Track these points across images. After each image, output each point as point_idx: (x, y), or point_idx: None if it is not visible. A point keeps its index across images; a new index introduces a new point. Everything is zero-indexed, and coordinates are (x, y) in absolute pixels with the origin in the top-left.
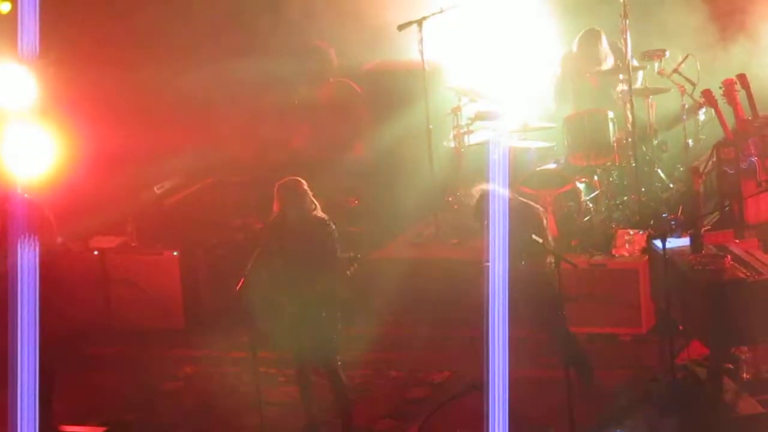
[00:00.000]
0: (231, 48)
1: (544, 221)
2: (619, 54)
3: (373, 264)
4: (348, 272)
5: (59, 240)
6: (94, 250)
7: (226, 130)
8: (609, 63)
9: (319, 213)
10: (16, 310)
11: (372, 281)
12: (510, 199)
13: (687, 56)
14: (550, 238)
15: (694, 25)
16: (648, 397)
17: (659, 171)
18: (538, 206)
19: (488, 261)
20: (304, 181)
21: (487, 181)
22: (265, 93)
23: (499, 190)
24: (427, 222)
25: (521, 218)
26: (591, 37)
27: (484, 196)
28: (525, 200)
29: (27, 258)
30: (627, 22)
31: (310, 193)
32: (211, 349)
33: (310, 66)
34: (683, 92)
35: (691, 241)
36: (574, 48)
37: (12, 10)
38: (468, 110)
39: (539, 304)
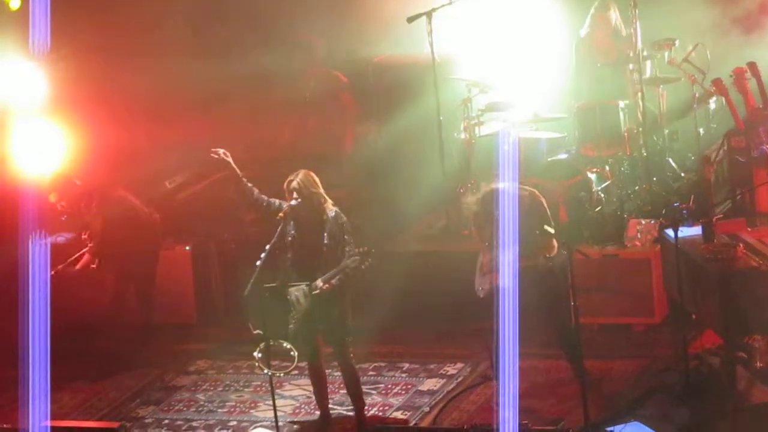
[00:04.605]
0: (241, 41)
1: (548, 210)
2: (629, 40)
3: (385, 256)
4: (363, 266)
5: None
6: None
7: (236, 124)
8: (623, 33)
9: (330, 206)
10: (27, 303)
11: (384, 274)
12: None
13: (697, 45)
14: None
15: (704, 14)
16: (661, 386)
17: (670, 160)
18: (538, 193)
19: (481, 287)
20: (314, 175)
21: (495, 176)
22: (269, 86)
23: (504, 186)
24: (438, 214)
25: (526, 209)
26: (601, 7)
27: (486, 199)
28: (529, 189)
29: (38, 250)
30: (637, 11)
31: (321, 187)
32: (223, 343)
33: (294, 59)
34: (693, 81)
35: (703, 230)
36: (585, 29)
37: (22, 7)
38: (478, 101)
39: (544, 294)
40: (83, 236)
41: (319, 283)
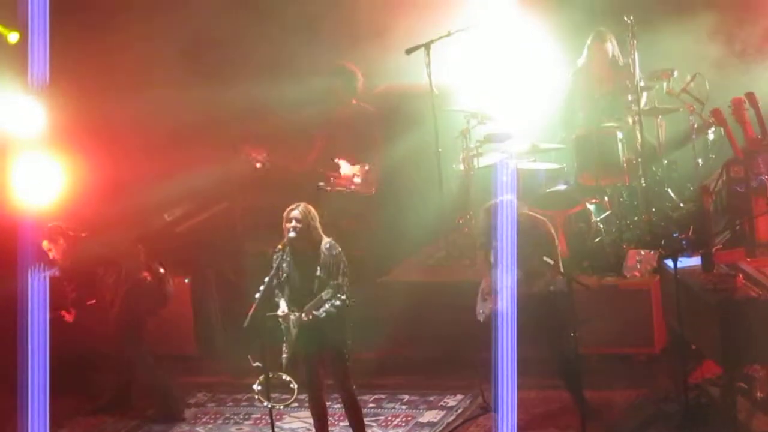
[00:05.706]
0: (240, 70)
1: (556, 239)
2: (627, 71)
3: (384, 287)
4: (336, 300)
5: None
6: None
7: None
8: (621, 63)
9: (325, 238)
10: (26, 337)
11: (383, 304)
12: (519, 215)
13: (695, 75)
14: (558, 255)
15: (702, 45)
16: (661, 416)
17: (669, 190)
18: (547, 221)
19: (482, 311)
20: (311, 207)
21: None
22: (282, 112)
23: (508, 201)
24: (437, 245)
25: (531, 236)
26: (598, 38)
27: (490, 211)
28: (534, 215)
29: (38, 279)
30: (635, 42)
31: (318, 221)
32: (223, 376)
33: (337, 85)
34: (692, 111)
35: (703, 260)
36: (582, 60)
37: (21, 40)
38: (477, 133)
39: (543, 322)
40: (88, 302)
41: (302, 313)
